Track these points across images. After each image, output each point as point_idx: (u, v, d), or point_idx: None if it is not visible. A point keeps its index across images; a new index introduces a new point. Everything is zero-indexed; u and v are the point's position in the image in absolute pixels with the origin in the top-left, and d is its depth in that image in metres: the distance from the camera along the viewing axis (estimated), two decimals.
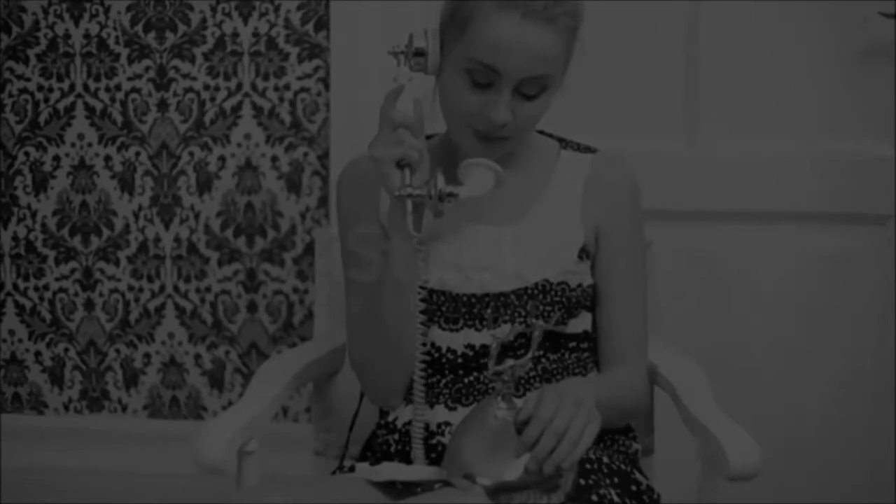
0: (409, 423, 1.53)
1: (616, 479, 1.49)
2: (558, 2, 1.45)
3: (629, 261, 1.63)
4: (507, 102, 1.47)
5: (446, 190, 1.43)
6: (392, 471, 1.45)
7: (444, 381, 1.56)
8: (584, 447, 1.32)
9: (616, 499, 1.44)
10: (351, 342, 1.63)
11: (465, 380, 1.56)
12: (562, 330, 1.58)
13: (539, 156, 1.64)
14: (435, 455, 1.51)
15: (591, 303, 1.62)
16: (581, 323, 1.61)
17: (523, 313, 1.55)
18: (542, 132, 1.67)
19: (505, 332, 1.48)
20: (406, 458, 1.54)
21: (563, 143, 1.66)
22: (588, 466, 1.47)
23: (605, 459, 1.52)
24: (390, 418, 1.60)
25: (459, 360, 1.56)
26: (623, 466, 1.54)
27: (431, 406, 1.55)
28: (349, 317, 1.62)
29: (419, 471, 1.44)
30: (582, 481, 1.44)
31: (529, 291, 1.55)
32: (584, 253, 1.59)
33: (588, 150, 1.65)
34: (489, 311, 1.55)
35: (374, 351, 1.57)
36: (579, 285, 1.58)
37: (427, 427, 1.53)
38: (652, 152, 2.10)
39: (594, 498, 1.42)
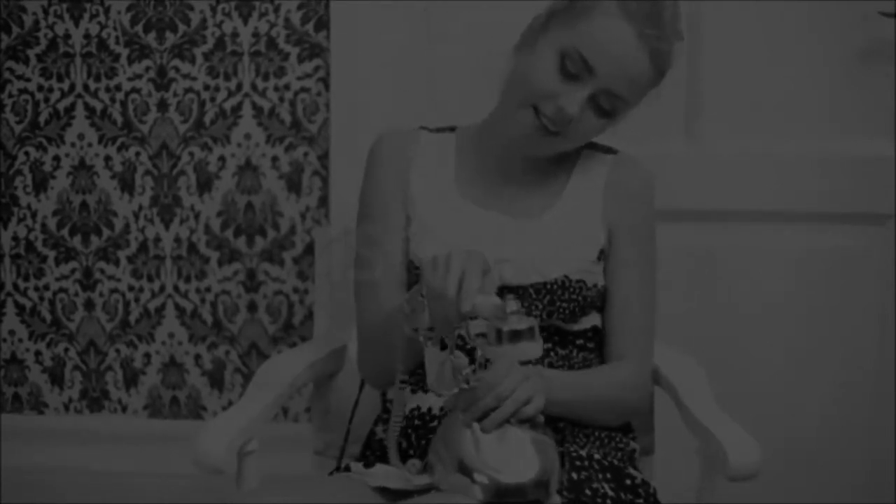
0: (415, 408, 1.54)
1: (609, 475, 1.49)
2: (668, 40, 1.51)
3: (639, 263, 1.64)
4: (581, 104, 1.50)
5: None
6: (384, 477, 1.45)
7: None
8: (532, 412, 1.34)
9: (610, 493, 1.44)
10: (359, 339, 1.67)
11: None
12: (570, 327, 1.59)
13: (560, 153, 1.65)
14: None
15: (601, 303, 1.63)
16: (591, 320, 1.62)
17: (541, 307, 1.56)
18: None
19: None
20: (415, 450, 1.54)
21: None
22: (579, 463, 1.48)
23: (597, 456, 1.52)
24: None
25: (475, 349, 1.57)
26: (616, 462, 1.54)
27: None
28: (359, 320, 1.65)
29: (410, 479, 1.43)
30: (575, 476, 1.44)
31: (548, 286, 1.56)
32: (602, 253, 1.61)
33: (609, 150, 1.67)
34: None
35: (377, 355, 1.60)
36: (595, 285, 1.59)
37: (429, 410, 1.55)
38: (652, 151, 2.09)
39: (587, 492, 1.42)
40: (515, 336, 1.32)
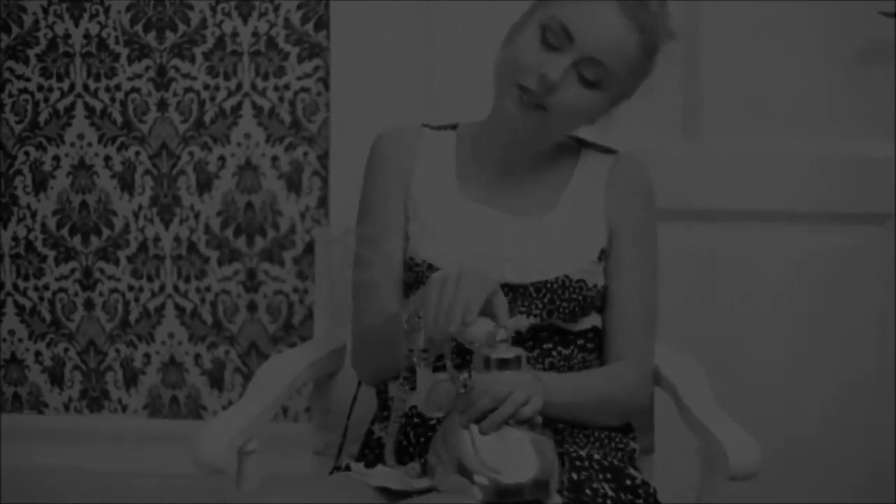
0: (415, 406, 1.54)
1: (609, 475, 1.49)
2: (651, 13, 1.52)
3: (640, 262, 1.63)
4: (564, 72, 1.50)
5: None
6: (383, 477, 1.45)
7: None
8: (529, 413, 1.35)
9: (610, 493, 1.44)
10: (354, 339, 1.67)
11: None
12: (570, 328, 1.59)
13: (561, 153, 1.65)
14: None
15: (602, 303, 1.63)
16: (591, 320, 1.62)
17: (541, 306, 1.56)
18: None
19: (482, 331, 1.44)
20: (414, 448, 1.54)
21: (583, 142, 1.68)
22: (579, 463, 1.48)
23: (597, 456, 1.52)
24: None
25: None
26: (616, 462, 1.54)
27: None
28: (357, 320, 1.64)
29: (410, 481, 1.43)
30: (575, 476, 1.44)
31: (548, 285, 1.56)
32: (603, 254, 1.61)
33: (609, 151, 1.67)
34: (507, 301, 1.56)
35: (374, 356, 1.61)
36: (595, 285, 1.59)
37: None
38: (651, 151, 2.08)
39: (588, 492, 1.42)
40: (503, 364, 1.35)
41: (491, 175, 1.64)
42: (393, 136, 1.68)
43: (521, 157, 1.62)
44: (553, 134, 1.60)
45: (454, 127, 1.70)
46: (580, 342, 1.61)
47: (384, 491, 1.46)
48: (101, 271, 2.32)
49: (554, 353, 1.58)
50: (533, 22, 1.54)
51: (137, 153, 2.28)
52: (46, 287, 2.35)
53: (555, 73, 1.49)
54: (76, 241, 2.32)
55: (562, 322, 1.58)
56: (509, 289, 1.56)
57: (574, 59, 1.50)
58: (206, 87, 2.24)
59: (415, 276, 1.58)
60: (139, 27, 2.24)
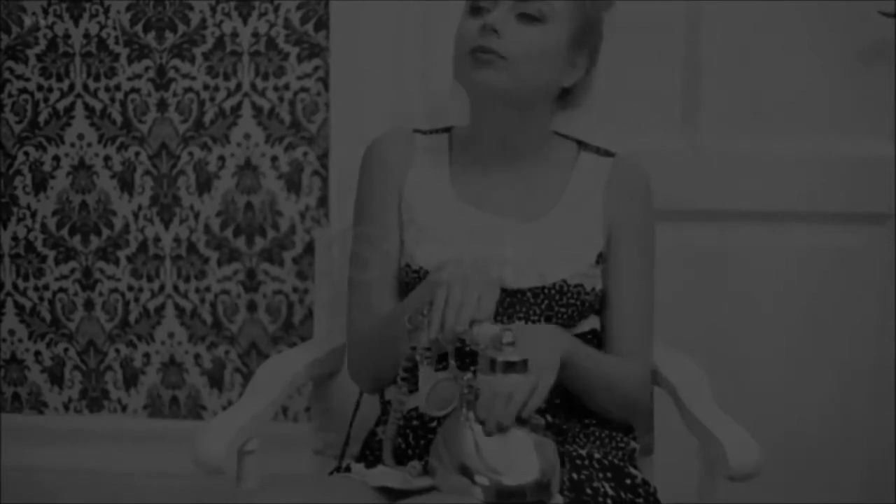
0: (414, 408, 1.54)
1: (609, 474, 1.49)
2: None
3: (639, 264, 1.64)
4: (502, 16, 1.52)
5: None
6: (384, 477, 1.45)
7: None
8: (536, 403, 1.35)
9: (611, 492, 1.44)
10: (349, 343, 1.66)
11: None
12: (570, 331, 1.59)
13: (558, 155, 1.65)
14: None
15: (600, 306, 1.63)
16: (589, 322, 1.62)
17: (539, 311, 1.56)
18: (559, 134, 1.68)
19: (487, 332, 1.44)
20: (413, 450, 1.54)
21: (582, 145, 1.67)
22: (580, 462, 1.48)
23: (597, 455, 1.52)
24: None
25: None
26: (616, 462, 1.54)
27: None
28: (349, 322, 1.64)
29: (410, 480, 1.44)
30: (575, 476, 1.44)
31: (546, 291, 1.56)
32: (600, 257, 1.60)
33: (607, 153, 1.67)
34: (504, 306, 1.55)
35: (371, 358, 1.61)
36: (593, 289, 1.59)
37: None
38: (651, 151, 2.09)
39: (588, 491, 1.42)
40: (508, 367, 1.34)
41: (487, 177, 1.63)
42: (387, 140, 1.68)
43: (515, 145, 1.61)
44: (527, 90, 1.57)
45: (448, 130, 1.70)
46: None
47: (384, 491, 1.46)
48: (101, 271, 2.32)
49: None
50: (464, 12, 1.58)
51: (137, 153, 2.28)
52: (46, 287, 2.35)
53: (491, 19, 1.52)
54: (76, 241, 2.32)
55: (560, 326, 1.58)
56: (507, 294, 1.56)
57: (508, 6, 1.53)
58: (206, 87, 2.24)
59: (412, 281, 1.58)
60: (139, 27, 2.24)
